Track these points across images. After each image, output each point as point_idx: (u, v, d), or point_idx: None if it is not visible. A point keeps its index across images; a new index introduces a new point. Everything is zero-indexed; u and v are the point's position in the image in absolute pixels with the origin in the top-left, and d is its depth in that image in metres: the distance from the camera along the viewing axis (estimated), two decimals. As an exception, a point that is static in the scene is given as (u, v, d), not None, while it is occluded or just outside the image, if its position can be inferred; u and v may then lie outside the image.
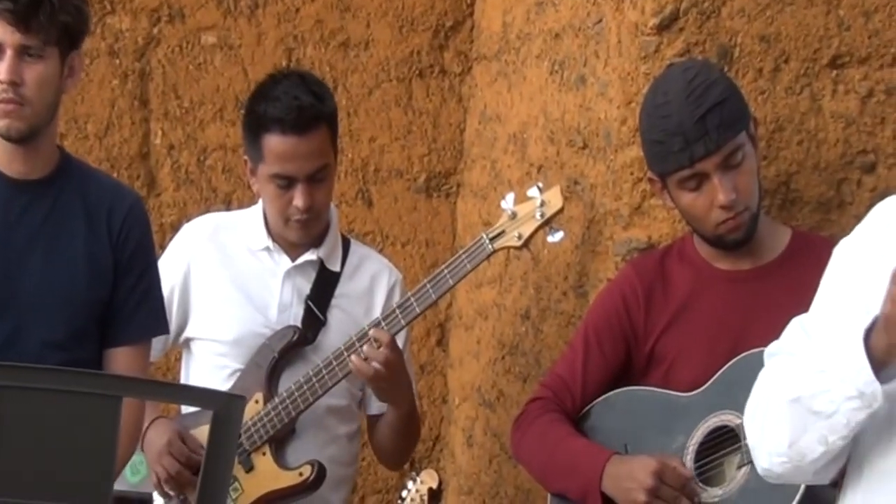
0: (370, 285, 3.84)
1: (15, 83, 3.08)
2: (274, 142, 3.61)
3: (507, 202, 3.57)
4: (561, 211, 3.52)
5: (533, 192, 3.52)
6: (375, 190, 4.98)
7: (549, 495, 3.35)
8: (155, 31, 4.84)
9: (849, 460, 2.42)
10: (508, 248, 3.62)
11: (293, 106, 3.63)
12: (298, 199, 3.61)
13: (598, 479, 3.13)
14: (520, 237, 3.52)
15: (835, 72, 3.35)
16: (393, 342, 3.54)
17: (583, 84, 3.94)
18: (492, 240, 3.53)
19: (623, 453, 3.15)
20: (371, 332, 3.58)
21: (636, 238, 3.65)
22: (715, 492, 3.01)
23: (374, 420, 3.87)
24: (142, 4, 4.85)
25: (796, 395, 2.34)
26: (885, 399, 2.25)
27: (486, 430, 4.50)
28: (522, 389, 4.12)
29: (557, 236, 3.55)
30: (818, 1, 3.47)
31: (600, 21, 3.82)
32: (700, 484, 3.03)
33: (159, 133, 4.94)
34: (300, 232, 3.71)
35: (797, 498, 2.77)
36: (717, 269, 3.23)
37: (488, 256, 3.60)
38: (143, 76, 4.85)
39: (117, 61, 4.85)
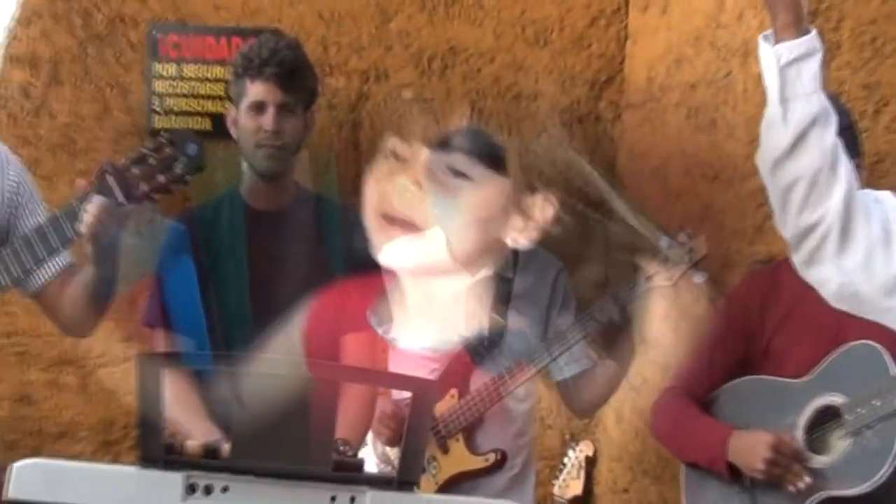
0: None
1: (277, 132, 3.49)
2: None
3: (663, 245, 3.67)
4: (705, 257, 3.60)
5: (682, 238, 3.64)
6: (542, 207, 5.21)
7: (682, 464, 3.63)
8: (364, 88, 5.02)
9: None
10: (660, 286, 3.67)
11: None
12: None
13: (723, 451, 3.37)
14: (670, 278, 3.62)
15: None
16: None
17: (714, 127, 4.19)
18: (647, 279, 3.66)
19: (743, 429, 3.34)
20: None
21: (758, 252, 3.89)
22: (822, 459, 3.18)
23: (562, 383, 3.95)
24: (354, 67, 4.97)
25: None
26: None
27: (632, 409, 4.57)
28: (661, 377, 4.17)
29: (699, 278, 3.63)
30: (905, 52, 3.58)
31: (729, 74, 4.08)
32: (809, 452, 3.21)
33: (368, 171, 5.17)
34: None
35: (889, 460, 2.99)
36: None
37: (643, 294, 3.69)
38: (355, 126, 5.04)
39: (334, 113, 5.03)
